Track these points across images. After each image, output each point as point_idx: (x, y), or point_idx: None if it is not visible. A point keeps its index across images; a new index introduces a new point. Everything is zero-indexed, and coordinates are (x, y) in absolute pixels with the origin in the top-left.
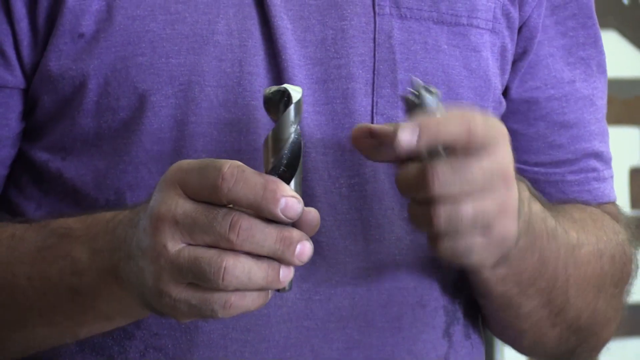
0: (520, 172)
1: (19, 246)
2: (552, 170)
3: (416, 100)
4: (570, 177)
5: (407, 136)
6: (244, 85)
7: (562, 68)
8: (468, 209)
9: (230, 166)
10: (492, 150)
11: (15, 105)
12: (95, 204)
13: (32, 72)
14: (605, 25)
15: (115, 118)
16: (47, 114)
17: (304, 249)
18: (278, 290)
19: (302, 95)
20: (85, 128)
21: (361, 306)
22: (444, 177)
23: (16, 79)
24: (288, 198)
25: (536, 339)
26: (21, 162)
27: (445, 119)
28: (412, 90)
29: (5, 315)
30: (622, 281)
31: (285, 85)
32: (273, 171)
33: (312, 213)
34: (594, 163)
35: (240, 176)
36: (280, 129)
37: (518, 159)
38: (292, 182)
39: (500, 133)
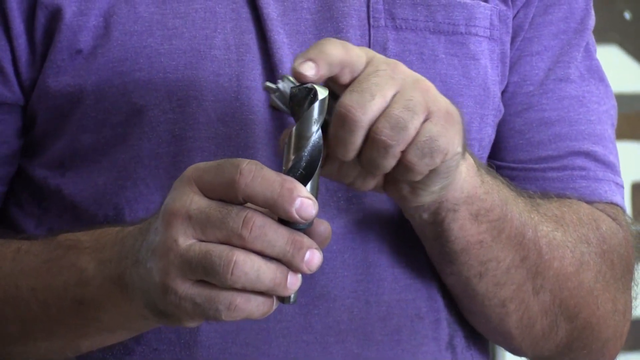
0: (497, 169)
1: (24, 259)
2: (530, 166)
3: (273, 86)
4: (551, 174)
5: (303, 66)
6: (242, 100)
7: (546, 67)
8: (397, 109)
9: (249, 163)
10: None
11: (13, 121)
12: (94, 220)
13: (30, 89)
14: (607, 40)
15: (113, 133)
16: (46, 130)
17: (313, 256)
18: (282, 301)
19: (327, 96)
20: (84, 144)
21: (360, 319)
22: (353, 103)
23: (14, 95)
24: (304, 199)
25: (523, 318)
26: (21, 179)
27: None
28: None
29: (8, 328)
30: (615, 270)
31: (312, 84)
32: (291, 171)
33: (324, 225)
34: (582, 162)
35: (258, 172)
36: (303, 125)
37: (495, 156)
38: (308, 186)
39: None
